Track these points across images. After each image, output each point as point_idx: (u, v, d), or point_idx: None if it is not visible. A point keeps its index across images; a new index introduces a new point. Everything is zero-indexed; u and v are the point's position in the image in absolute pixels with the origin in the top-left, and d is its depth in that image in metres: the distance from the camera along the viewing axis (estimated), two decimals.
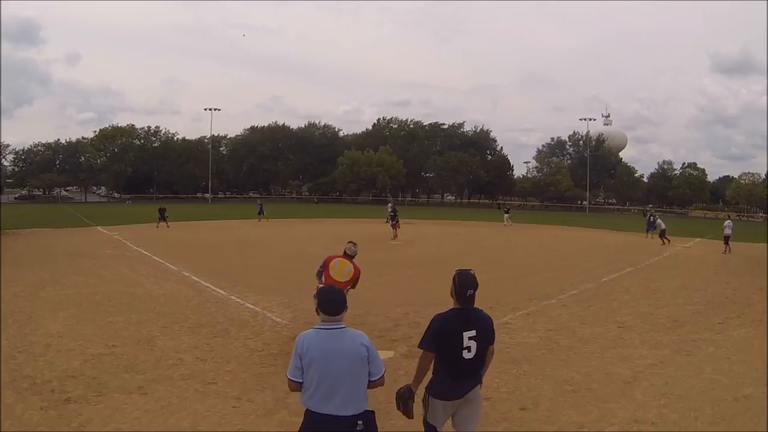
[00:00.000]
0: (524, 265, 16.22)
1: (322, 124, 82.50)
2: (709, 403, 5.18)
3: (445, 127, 79.56)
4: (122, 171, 67.18)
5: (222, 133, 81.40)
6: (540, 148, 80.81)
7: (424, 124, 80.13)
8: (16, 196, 67.49)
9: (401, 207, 44.62)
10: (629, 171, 77.08)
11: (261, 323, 8.15)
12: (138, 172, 69.92)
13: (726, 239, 21.60)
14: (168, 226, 26.52)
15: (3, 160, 67.24)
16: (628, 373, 6.10)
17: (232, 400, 5.17)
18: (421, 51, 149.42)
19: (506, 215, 36.45)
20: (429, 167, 74.94)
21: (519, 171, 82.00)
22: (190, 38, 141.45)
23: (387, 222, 28.35)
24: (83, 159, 68.57)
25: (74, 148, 69.49)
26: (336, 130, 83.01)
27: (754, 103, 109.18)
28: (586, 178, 71.54)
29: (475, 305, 3.52)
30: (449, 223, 36.70)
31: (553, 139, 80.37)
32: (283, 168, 78.36)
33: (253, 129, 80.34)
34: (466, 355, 3.33)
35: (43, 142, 70.26)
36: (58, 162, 68.80)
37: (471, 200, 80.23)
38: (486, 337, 3.44)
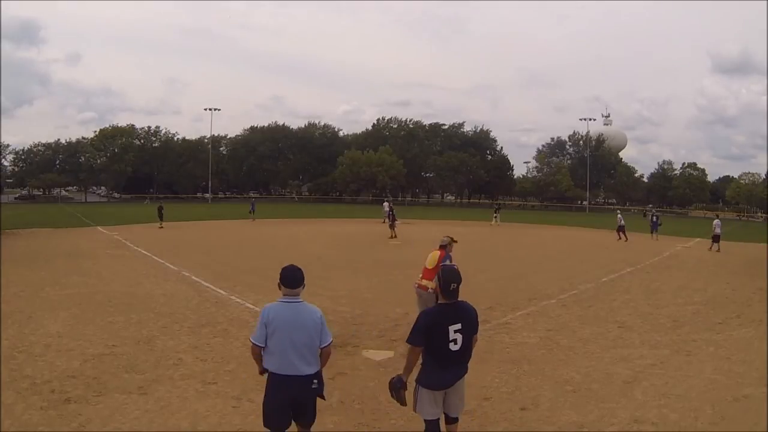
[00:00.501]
0: (524, 265, 16.22)
1: (322, 124, 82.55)
2: (709, 403, 5.18)
3: (445, 127, 79.47)
4: (122, 171, 67.12)
5: (222, 133, 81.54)
6: (540, 148, 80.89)
7: (424, 124, 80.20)
8: (16, 196, 67.52)
9: (401, 207, 44.67)
10: (629, 171, 77.04)
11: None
12: (138, 172, 69.87)
13: (715, 238, 21.82)
14: (161, 227, 25.96)
15: (3, 160, 67.24)
16: (628, 373, 6.10)
17: (232, 400, 5.17)
18: (421, 51, 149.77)
19: (495, 215, 36.47)
20: (429, 167, 74.85)
21: (519, 171, 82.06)
22: (190, 38, 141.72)
23: (384, 222, 28.37)
24: (83, 159, 68.48)
25: (74, 148, 69.40)
26: (336, 130, 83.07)
27: (754, 104, 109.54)
28: (586, 178, 71.50)
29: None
30: (449, 223, 36.67)
31: (553, 139, 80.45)
32: (283, 168, 78.31)
33: (253, 129, 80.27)
34: (453, 347, 3.57)
35: (43, 142, 70.26)
36: (58, 162, 68.67)
37: (471, 200, 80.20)
38: (471, 328, 3.69)
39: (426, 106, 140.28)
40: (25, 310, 8.61)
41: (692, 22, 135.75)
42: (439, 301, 3.67)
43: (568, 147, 79.19)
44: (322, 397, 3.76)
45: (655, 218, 27.80)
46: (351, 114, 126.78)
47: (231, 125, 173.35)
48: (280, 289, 3.63)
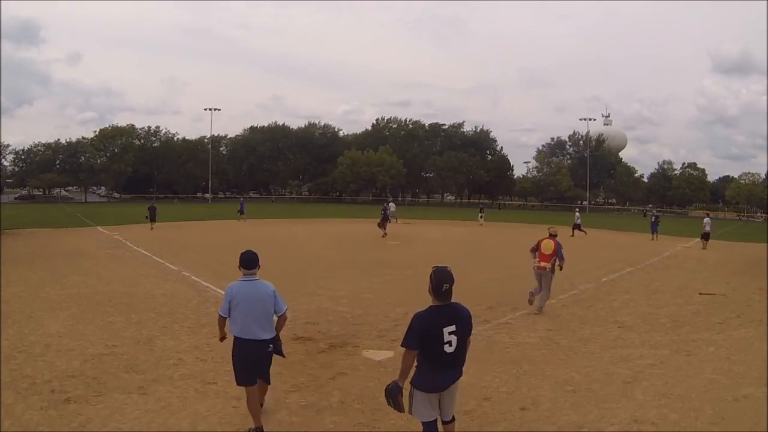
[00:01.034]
0: (524, 265, 16.15)
1: (322, 124, 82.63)
2: (709, 403, 5.17)
3: (445, 127, 79.48)
4: (122, 171, 67.11)
5: (222, 133, 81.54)
6: (540, 148, 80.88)
7: (424, 124, 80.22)
8: (16, 196, 67.49)
9: (401, 207, 44.72)
10: (629, 171, 77.02)
11: None
12: (138, 172, 69.88)
13: (705, 236, 22.32)
14: (152, 228, 25.15)
15: (3, 160, 67.27)
16: (628, 373, 6.10)
17: (232, 400, 5.17)
18: (421, 51, 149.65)
19: (480, 214, 36.61)
20: (429, 167, 74.87)
21: (519, 171, 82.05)
22: (190, 38, 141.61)
23: (389, 221, 28.43)
24: (83, 159, 68.46)
25: (74, 148, 69.39)
26: (336, 130, 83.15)
27: (755, 103, 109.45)
28: (586, 178, 71.51)
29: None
30: (449, 223, 36.68)
31: (553, 139, 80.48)
32: (283, 168, 78.33)
33: (253, 129, 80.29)
34: (448, 349, 3.55)
35: (43, 142, 70.27)
36: (58, 162, 68.66)
37: (471, 200, 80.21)
38: (465, 330, 3.65)
39: (426, 106, 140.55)
40: (25, 310, 8.60)
41: (692, 22, 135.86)
42: (431, 303, 3.61)
43: (568, 147, 79.24)
44: (282, 355, 4.66)
45: (654, 218, 27.82)
46: (351, 114, 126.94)
47: (231, 125, 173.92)
48: (240, 270, 4.47)
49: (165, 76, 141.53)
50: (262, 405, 4.66)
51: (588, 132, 76.43)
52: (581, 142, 77.08)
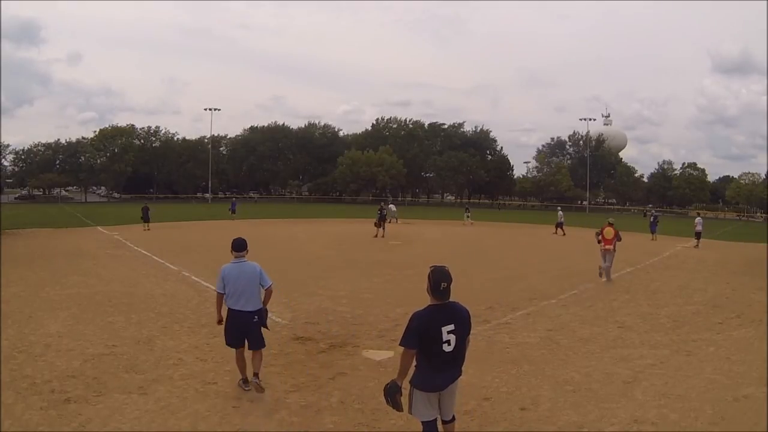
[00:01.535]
0: (524, 265, 16.21)
1: (322, 124, 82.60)
2: (709, 403, 5.17)
3: (445, 127, 79.51)
4: (122, 171, 67.07)
5: (222, 133, 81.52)
6: (540, 148, 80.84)
7: (424, 124, 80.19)
8: (16, 196, 67.42)
9: (401, 207, 44.74)
10: (629, 171, 77.00)
11: None
12: (138, 172, 69.84)
13: (697, 235, 23.10)
14: (148, 229, 24.69)
15: (3, 160, 67.22)
16: (628, 373, 6.10)
17: (232, 400, 5.17)
18: (422, 51, 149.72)
19: (466, 214, 36.81)
20: (429, 167, 74.85)
21: (519, 171, 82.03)
22: (190, 38, 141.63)
23: (390, 222, 28.46)
24: (83, 159, 68.42)
25: (74, 148, 69.34)
26: (336, 130, 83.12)
27: (755, 104, 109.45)
28: (586, 178, 71.50)
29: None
30: (449, 223, 36.68)
31: (553, 139, 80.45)
32: (283, 168, 78.31)
33: (253, 129, 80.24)
34: (446, 348, 3.56)
35: (43, 142, 70.22)
36: (58, 162, 68.63)
37: (471, 200, 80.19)
38: (464, 329, 3.66)
39: (426, 106, 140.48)
40: (25, 310, 8.60)
41: (692, 22, 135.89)
42: (430, 302, 3.60)
43: (568, 147, 79.22)
44: (266, 327, 5.41)
45: (653, 218, 27.88)
46: (351, 114, 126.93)
47: (231, 125, 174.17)
48: (232, 253, 5.39)
49: (165, 76, 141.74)
50: (258, 372, 5.32)
51: (588, 132, 76.54)
52: (581, 142, 77.07)
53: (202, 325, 7.99)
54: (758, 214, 64.36)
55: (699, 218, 25.01)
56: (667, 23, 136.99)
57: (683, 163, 76.69)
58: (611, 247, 12.92)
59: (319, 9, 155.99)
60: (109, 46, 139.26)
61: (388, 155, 70.32)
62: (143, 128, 74.17)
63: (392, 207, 33.59)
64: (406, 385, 3.65)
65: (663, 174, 75.27)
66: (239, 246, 5.39)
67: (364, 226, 26.98)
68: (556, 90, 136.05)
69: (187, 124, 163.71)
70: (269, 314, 5.57)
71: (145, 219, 25.31)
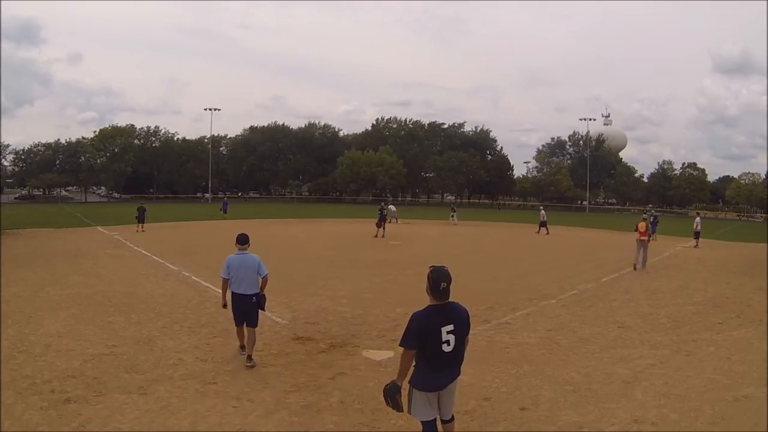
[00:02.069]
0: (524, 265, 16.21)
1: (322, 124, 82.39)
2: (709, 403, 5.17)
3: (445, 127, 79.39)
4: (122, 171, 66.98)
5: (222, 133, 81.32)
6: (540, 148, 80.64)
7: (424, 124, 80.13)
8: (16, 196, 67.37)
9: (401, 207, 44.76)
10: (629, 171, 76.90)
11: (261, 323, 8.09)
12: (138, 172, 69.76)
13: (696, 235, 23.31)
14: (143, 230, 24.04)
15: (3, 160, 67.13)
16: (628, 373, 6.10)
17: (232, 400, 5.17)
18: (422, 51, 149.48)
19: (452, 213, 36.91)
20: (429, 167, 74.76)
21: (519, 171, 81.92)
22: (190, 38, 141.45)
23: (390, 222, 28.48)
24: (83, 159, 68.34)
25: (74, 148, 69.24)
26: (336, 130, 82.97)
27: (755, 104, 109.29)
28: (586, 178, 71.44)
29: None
30: (449, 223, 36.67)
31: (553, 139, 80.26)
32: (283, 168, 78.23)
33: (253, 129, 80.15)
34: (446, 348, 3.57)
35: (43, 142, 70.08)
36: (58, 162, 68.50)
37: (471, 200, 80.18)
38: (463, 329, 3.67)
39: (426, 106, 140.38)
40: (25, 310, 8.60)
41: (692, 22, 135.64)
42: (429, 302, 3.60)
43: (568, 147, 79.09)
44: (263, 309, 6.41)
45: (653, 218, 27.81)
46: (351, 114, 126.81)
47: (231, 125, 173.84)
48: (235, 246, 6.37)
49: (165, 76, 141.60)
50: (251, 355, 6.26)
51: (588, 132, 76.40)
52: (581, 142, 76.99)
53: (202, 325, 7.98)
54: (758, 214, 64.33)
55: (698, 218, 25.14)
56: (667, 23, 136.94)
57: (683, 163, 76.63)
58: (645, 238, 15.08)
59: (319, 9, 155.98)
60: (109, 46, 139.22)
61: (388, 155, 70.27)
62: (143, 128, 74.20)
63: (392, 207, 33.66)
64: (405, 385, 3.65)
65: (663, 174, 75.20)
66: (242, 240, 6.41)
67: (364, 226, 27.00)
68: (556, 90, 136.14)
69: (187, 124, 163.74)
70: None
71: (140, 219, 24.79)
